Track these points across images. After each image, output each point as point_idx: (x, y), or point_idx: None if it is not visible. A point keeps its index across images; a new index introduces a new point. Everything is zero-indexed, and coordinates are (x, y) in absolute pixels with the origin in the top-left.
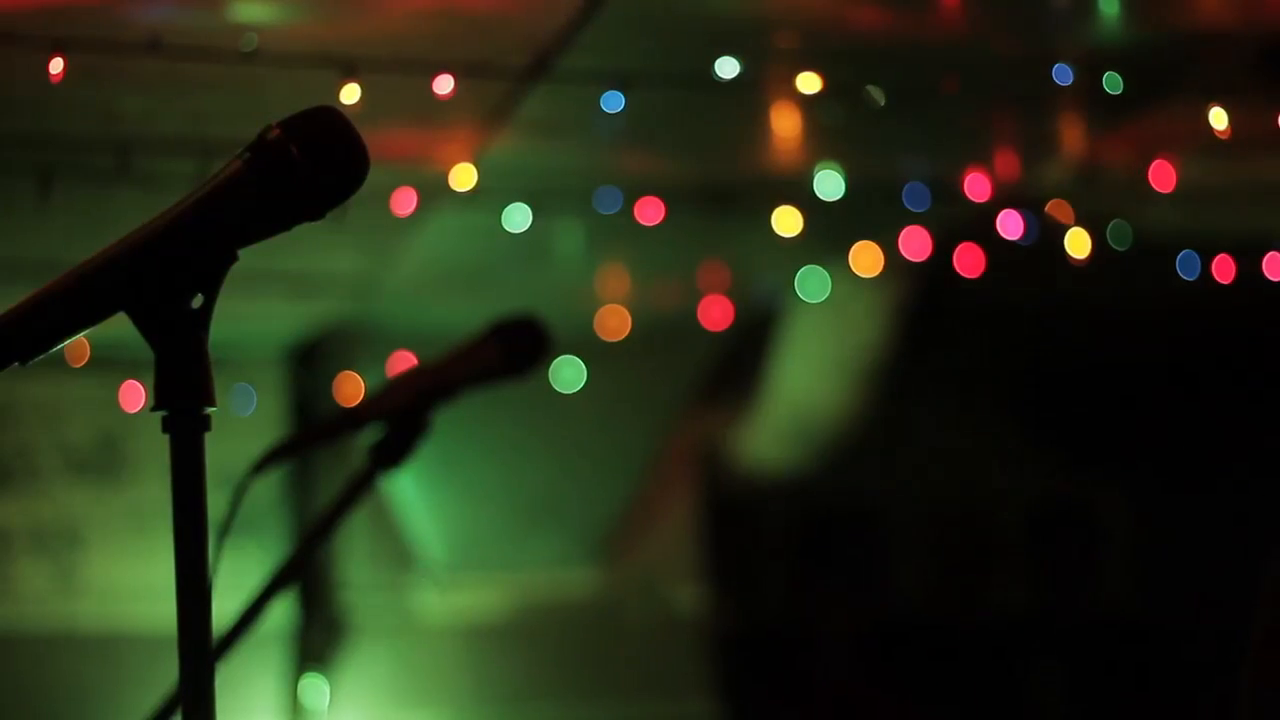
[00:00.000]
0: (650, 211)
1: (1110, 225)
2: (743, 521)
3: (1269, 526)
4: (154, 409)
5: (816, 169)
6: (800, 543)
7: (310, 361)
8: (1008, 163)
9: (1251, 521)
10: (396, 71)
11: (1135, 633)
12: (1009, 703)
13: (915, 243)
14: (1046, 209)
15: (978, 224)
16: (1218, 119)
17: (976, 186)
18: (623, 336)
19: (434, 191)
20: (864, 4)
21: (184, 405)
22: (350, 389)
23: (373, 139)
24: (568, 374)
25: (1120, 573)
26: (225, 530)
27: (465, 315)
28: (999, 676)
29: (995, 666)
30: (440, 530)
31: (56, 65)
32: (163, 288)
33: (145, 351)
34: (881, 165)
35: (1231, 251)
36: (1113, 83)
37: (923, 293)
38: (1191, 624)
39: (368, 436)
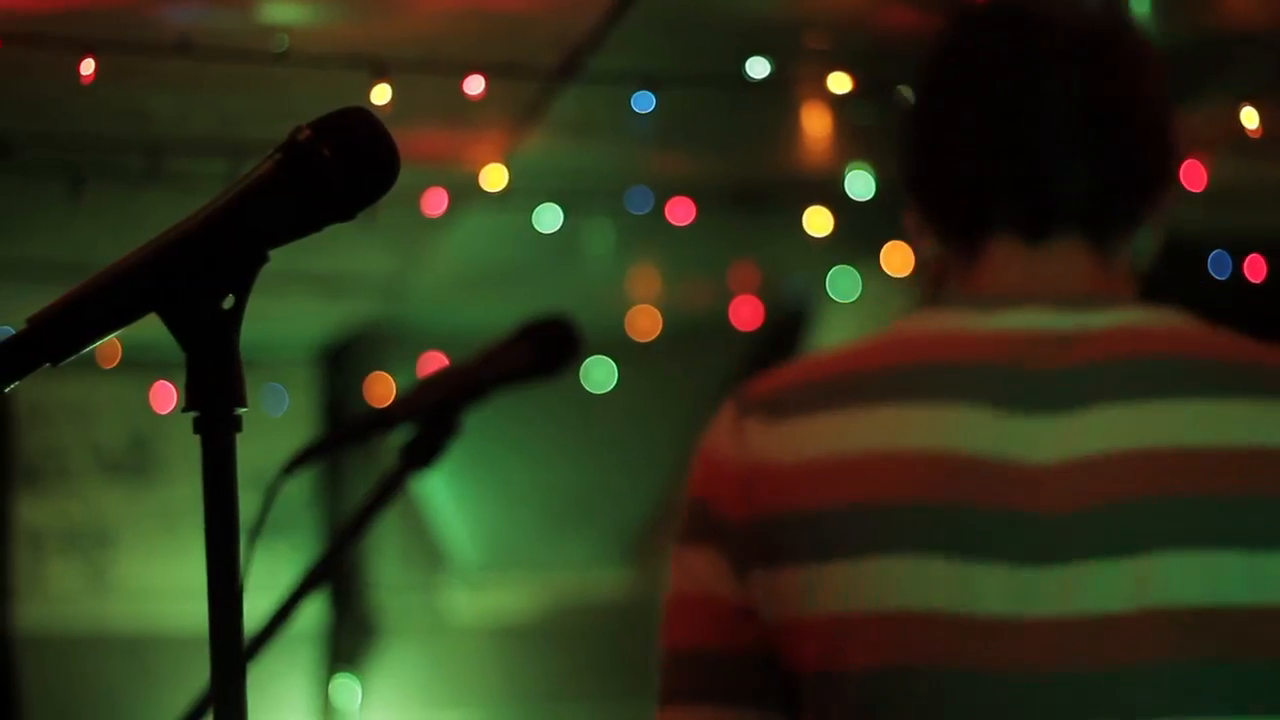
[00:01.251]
0: (681, 211)
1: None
2: None
3: None
4: (185, 409)
5: (847, 169)
6: None
7: (341, 362)
8: None
9: None
10: (427, 72)
11: None
12: None
13: None
14: None
15: None
16: (1249, 119)
17: None
18: (654, 337)
19: (465, 192)
20: (895, 3)
21: (215, 406)
22: (381, 389)
23: (403, 140)
24: (599, 374)
25: None
26: (257, 530)
27: (496, 316)
28: None
29: None
30: (471, 530)
31: (87, 67)
32: (194, 289)
33: (176, 353)
34: None
35: (1263, 251)
36: None
37: None
38: None
39: (398, 437)
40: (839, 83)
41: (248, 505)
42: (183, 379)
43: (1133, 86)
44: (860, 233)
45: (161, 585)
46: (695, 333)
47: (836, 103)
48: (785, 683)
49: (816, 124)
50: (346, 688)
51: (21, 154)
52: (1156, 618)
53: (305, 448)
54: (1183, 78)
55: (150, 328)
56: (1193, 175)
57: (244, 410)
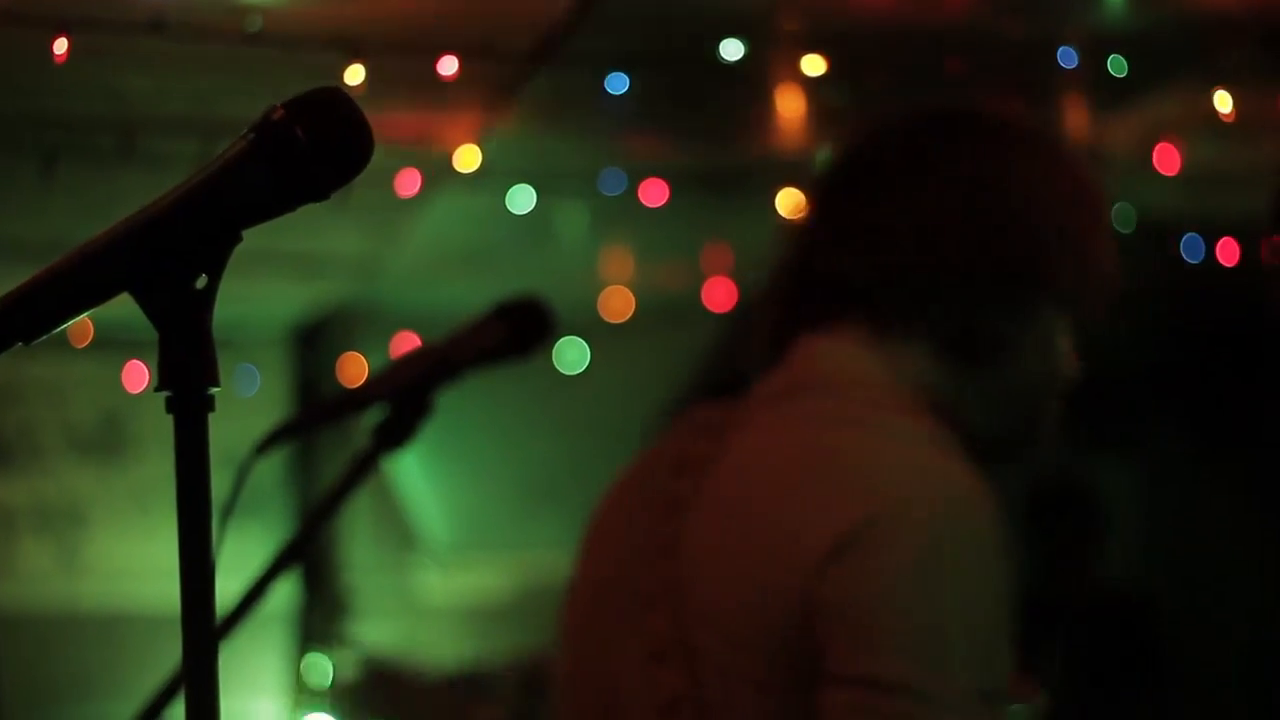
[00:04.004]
0: (654, 193)
1: (1114, 208)
2: None
3: (1274, 507)
4: (157, 389)
5: (820, 150)
6: None
7: (314, 342)
8: None
9: (1257, 502)
10: (401, 53)
11: (1139, 612)
12: None
13: None
14: None
15: None
16: (1222, 102)
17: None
18: (626, 318)
19: (438, 173)
20: None
21: (188, 386)
22: (354, 370)
23: (377, 120)
24: (571, 355)
25: (1124, 552)
26: (229, 510)
27: (469, 296)
28: None
29: None
30: (443, 511)
31: (60, 46)
32: (167, 268)
33: (149, 332)
34: None
35: (1236, 234)
36: (1117, 66)
37: None
38: (1197, 603)
39: (371, 417)
40: (812, 65)
41: (220, 485)
42: (155, 358)
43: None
44: None
45: (134, 565)
46: (668, 314)
47: (810, 85)
48: None
49: (790, 106)
50: (318, 667)
51: None
52: None
53: (277, 428)
54: (1156, 60)
55: (123, 307)
56: (1166, 159)
57: (216, 390)
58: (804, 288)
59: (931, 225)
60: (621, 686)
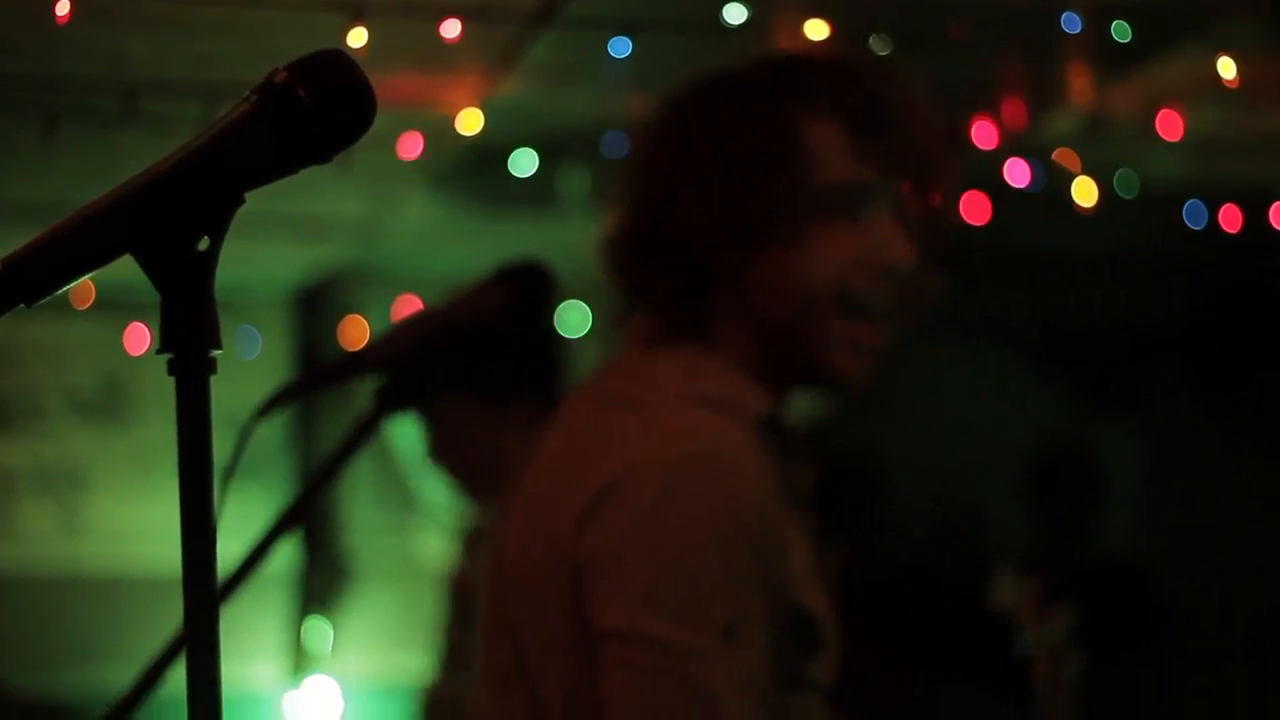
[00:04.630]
0: None
1: (1117, 174)
2: None
3: (1276, 474)
4: (159, 351)
5: None
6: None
7: (316, 305)
8: (1015, 111)
9: (1260, 466)
10: (403, 15)
11: (1141, 578)
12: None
13: None
14: (1054, 157)
15: (985, 172)
16: (1225, 68)
17: (984, 134)
18: None
19: (441, 136)
20: None
21: (189, 348)
22: (355, 333)
23: (379, 83)
24: (573, 319)
25: (1127, 517)
26: (230, 473)
27: (471, 259)
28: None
29: (999, 615)
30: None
31: (63, 7)
32: (169, 230)
33: (150, 294)
34: None
35: (1238, 201)
36: (1121, 31)
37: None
38: (1199, 571)
39: (372, 380)
40: (816, 29)
41: (221, 447)
42: (157, 320)
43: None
44: None
45: (134, 527)
46: None
47: (813, 49)
48: None
49: None
50: (318, 630)
51: None
52: None
53: (279, 391)
54: (1160, 26)
55: (124, 269)
56: (1169, 125)
57: (218, 352)
58: (613, 276)
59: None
60: (480, 669)
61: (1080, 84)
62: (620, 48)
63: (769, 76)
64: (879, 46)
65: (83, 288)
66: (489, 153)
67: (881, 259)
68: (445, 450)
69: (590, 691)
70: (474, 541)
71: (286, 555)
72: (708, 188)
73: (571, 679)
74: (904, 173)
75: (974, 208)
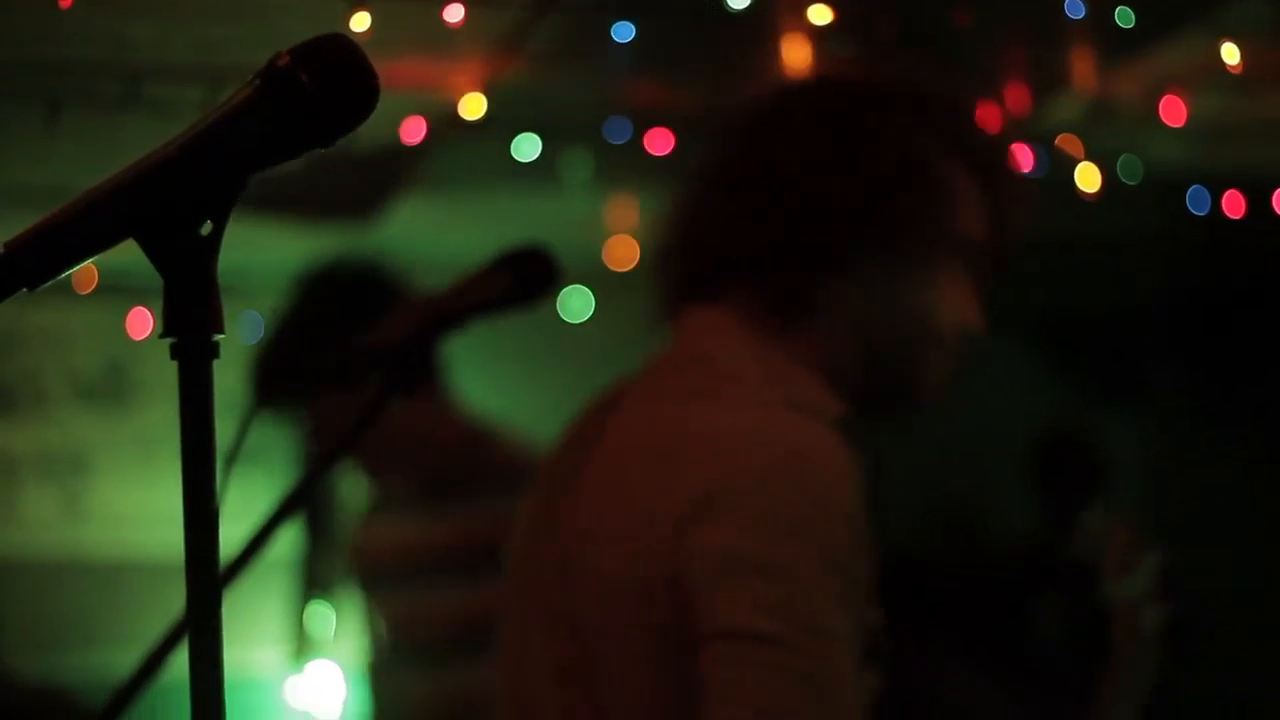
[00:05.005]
0: (660, 142)
1: (1120, 160)
2: None
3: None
4: (162, 336)
5: None
6: None
7: None
8: (1018, 96)
9: (1263, 457)
10: (406, 0)
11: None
12: (1012, 638)
13: None
14: (1057, 143)
15: None
16: (1229, 54)
17: (987, 119)
18: (631, 267)
19: (444, 120)
20: None
21: (192, 332)
22: None
23: (382, 67)
24: (576, 304)
25: (1130, 508)
26: (233, 457)
27: (474, 245)
28: (1003, 611)
29: (999, 601)
30: None
31: None
32: (172, 214)
33: (153, 278)
34: None
35: (1242, 187)
36: (1125, 17)
37: None
38: (1201, 560)
39: (376, 365)
40: (819, 14)
41: (224, 432)
42: (160, 305)
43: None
44: None
45: (137, 512)
46: None
47: (817, 35)
48: None
49: (796, 56)
50: (321, 615)
51: None
52: None
53: (282, 375)
54: (1164, 12)
55: (127, 253)
56: (1173, 111)
57: (221, 337)
58: (692, 261)
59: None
60: (526, 658)
61: (1084, 69)
62: (623, 32)
63: (903, 99)
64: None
65: (85, 272)
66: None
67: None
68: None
69: (668, 698)
70: (373, 516)
71: (289, 540)
72: (846, 191)
73: (649, 685)
74: (996, 248)
75: None
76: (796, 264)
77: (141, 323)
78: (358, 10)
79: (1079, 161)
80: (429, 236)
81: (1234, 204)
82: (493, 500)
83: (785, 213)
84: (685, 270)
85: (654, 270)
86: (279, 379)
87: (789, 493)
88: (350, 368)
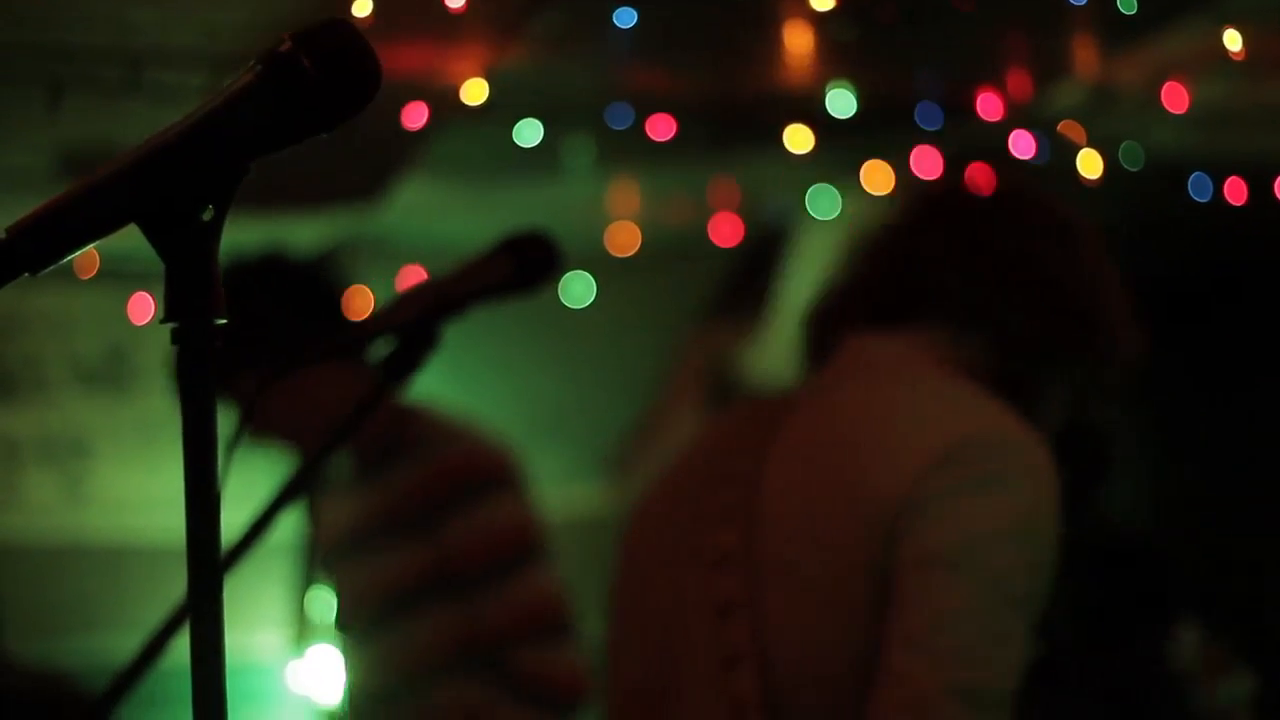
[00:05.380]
0: (661, 128)
1: (1122, 146)
2: None
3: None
4: (163, 321)
5: (828, 87)
6: None
7: None
8: (1020, 82)
9: (1263, 441)
10: None
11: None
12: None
13: (927, 162)
14: (1059, 129)
15: (990, 143)
16: (1231, 40)
17: (989, 106)
18: (633, 252)
19: (446, 106)
20: None
21: (194, 317)
22: (359, 303)
23: (384, 52)
24: (577, 289)
25: (1130, 490)
26: (234, 442)
27: (475, 230)
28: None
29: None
30: None
31: None
32: (173, 200)
33: (155, 263)
34: (894, 84)
35: (1243, 173)
36: (1127, 4)
37: None
38: (1201, 542)
39: (377, 350)
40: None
41: (225, 417)
42: (161, 290)
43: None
44: (840, 151)
45: (138, 496)
46: (675, 249)
47: (819, 20)
48: None
49: (798, 41)
50: (322, 600)
51: (1, 63)
52: None
53: (284, 360)
54: (1167, 0)
55: (129, 238)
56: (1174, 97)
57: (222, 322)
58: (883, 290)
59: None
60: (685, 594)
61: (1086, 56)
62: (625, 18)
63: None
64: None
65: (87, 257)
66: (493, 123)
67: None
68: (281, 415)
69: (841, 628)
70: (323, 502)
71: (290, 525)
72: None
73: (822, 623)
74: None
75: (979, 180)
76: (964, 311)
77: (143, 308)
78: None
79: (1081, 148)
80: (430, 222)
81: (1236, 190)
82: (424, 466)
83: (1006, 289)
84: (871, 302)
85: (831, 298)
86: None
87: (1022, 454)
88: (350, 349)
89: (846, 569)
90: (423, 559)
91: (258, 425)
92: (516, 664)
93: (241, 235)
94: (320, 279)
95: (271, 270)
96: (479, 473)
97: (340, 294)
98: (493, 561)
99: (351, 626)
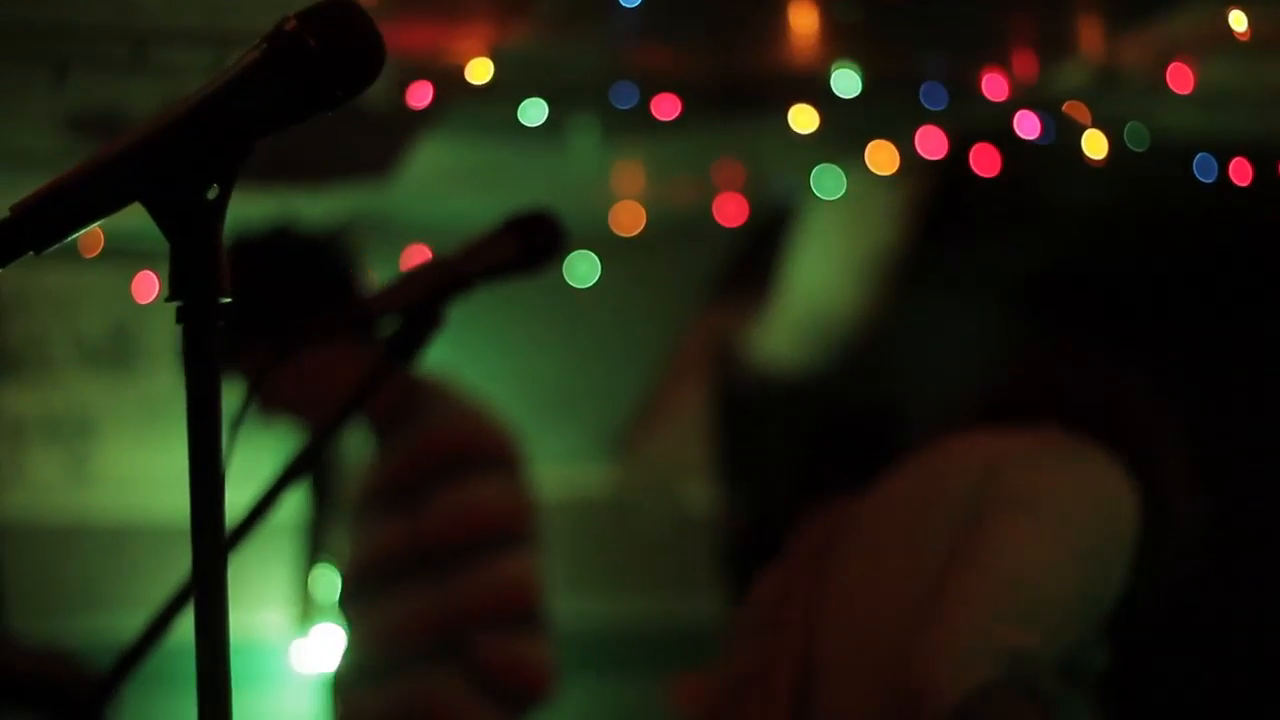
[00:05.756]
0: (666, 107)
1: (1127, 127)
2: (757, 420)
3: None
4: (168, 299)
5: (833, 66)
6: (814, 442)
7: None
8: (1025, 63)
9: (1269, 424)
10: None
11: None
12: None
13: (931, 141)
14: (1064, 110)
15: (995, 124)
16: (1237, 21)
17: (994, 86)
18: (637, 232)
19: (450, 85)
20: None
21: (198, 296)
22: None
23: (389, 32)
24: (582, 269)
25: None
26: (238, 421)
27: (480, 209)
28: None
29: None
30: None
31: None
32: (178, 178)
33: (159, 242)
34: (899, 64)
35: (1249, 154)
36: None
37: (938, 192)
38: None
39: (382, 329)
40: None
41: (230, 396)
42: (166, 269)
43: None
44: (845, 131)
45: (143, 475)
46: (679, 228)
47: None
48: None
49: (803, 21)
50: (326, 579)
51: (5, 41)
52: None
53: (289, 338)
54: None
55: (134, 217)
56: (1180, 78)
57: (227, 301)
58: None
59: None
60: (881, 587)
61: (1091, 36)
62: None
63: None
64: None
65: (92, 235)
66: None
67: None
68: (288, 392)
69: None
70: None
71: (294, 503)
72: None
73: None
74: None
75: (984, 160)
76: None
77: (147, 286)
78: None
79: (1086, 128)
80: (435, 201)
81: (1241, 171)
82: (418, 438)
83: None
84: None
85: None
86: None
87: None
88: (355, 329)
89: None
90: (402, 534)
91: (265, 402)
92: (477, 651)
93: (250, 210)
94: (330, 254)
95: (280, 244)
96: (468, 449)
97: (350, 269)
98: (467, 541)
99: (343, 603)
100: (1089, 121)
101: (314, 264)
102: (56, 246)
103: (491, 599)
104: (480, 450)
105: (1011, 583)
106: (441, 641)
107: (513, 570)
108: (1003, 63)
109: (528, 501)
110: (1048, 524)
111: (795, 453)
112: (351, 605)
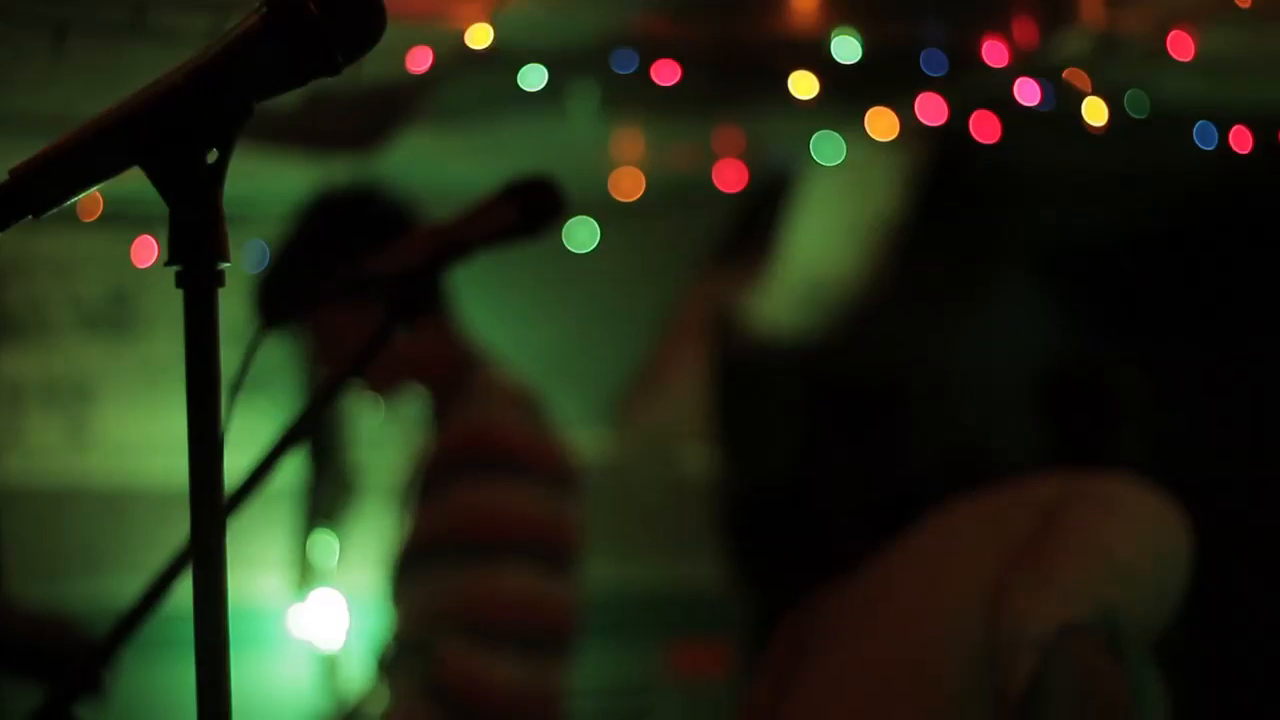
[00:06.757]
0: (666, 73)
1: (1128, 94)
2: (756, 386)
3: None
4: (167, 264)
5: (834, 33)
6: (812, 408)
7: None
8: (1026, 30)
9: (1268, 393)
10: None
11: None
12: None
13: (931, 108)
14: (1064, 77)
15: (995, 91)
16: None
17: (994, 53)
18: (637, 198)
19: (450, 50)
20: None
21: (198, 261)
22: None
23: None
24: (581, 234)
25: (1136, 443)
26: (238, 386)
27: (480, 175)
28: None
29: None
30: None
31: None
32: (178, 142)
33: (158, 206)
34: (899, 30)
35: (1249, 122)
36: None
37: (938, 158)
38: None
39: (381, 294)
40: None
41: (229, 360)
42: (165, 233)
43: None
44: (845, 97)
45: (142, 440)
46: (679, 194)
47: None
48: None
49: None
50: (325, 544)
51: (2, 6)
52: None
53: (289, 303)
54: None
55: (133, 181)
56: (1180, 45)
57: (226, 265)
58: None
59: None
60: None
61: (1092, 3)
62: None
63: None
64: None
65: (90, 199)
66: (498, 68)
67: None
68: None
69: None
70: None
71: (293, 469)
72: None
73: None
74: None
75: (984, 127)
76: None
77: (147, 251)
78: None
79: (1086, 95)
80: (434, 167)
81: (1241, 139)
82: (482, 411)
83: None
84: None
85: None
86: (282, 299)
87: None
88: (355, 292)
89: None
90: (428, 519)
91: (328, 358)
92: (440, 657)
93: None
94: (411, 218)
95: (363, 205)
96: (491, 450)
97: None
98: (460, 544)
99: (389, 579)
100: (1089, 89)
101: (399, 227)
102: (55, 210)
103: (469, 607)
104: (506, 454)
105: (1101, 549)
106: (425, 641)
107: (503, 584)
108: (1003, 29)
109: (552, 517)
110: (1128, 521)
111: (794, 418)
112: (392, 583)
